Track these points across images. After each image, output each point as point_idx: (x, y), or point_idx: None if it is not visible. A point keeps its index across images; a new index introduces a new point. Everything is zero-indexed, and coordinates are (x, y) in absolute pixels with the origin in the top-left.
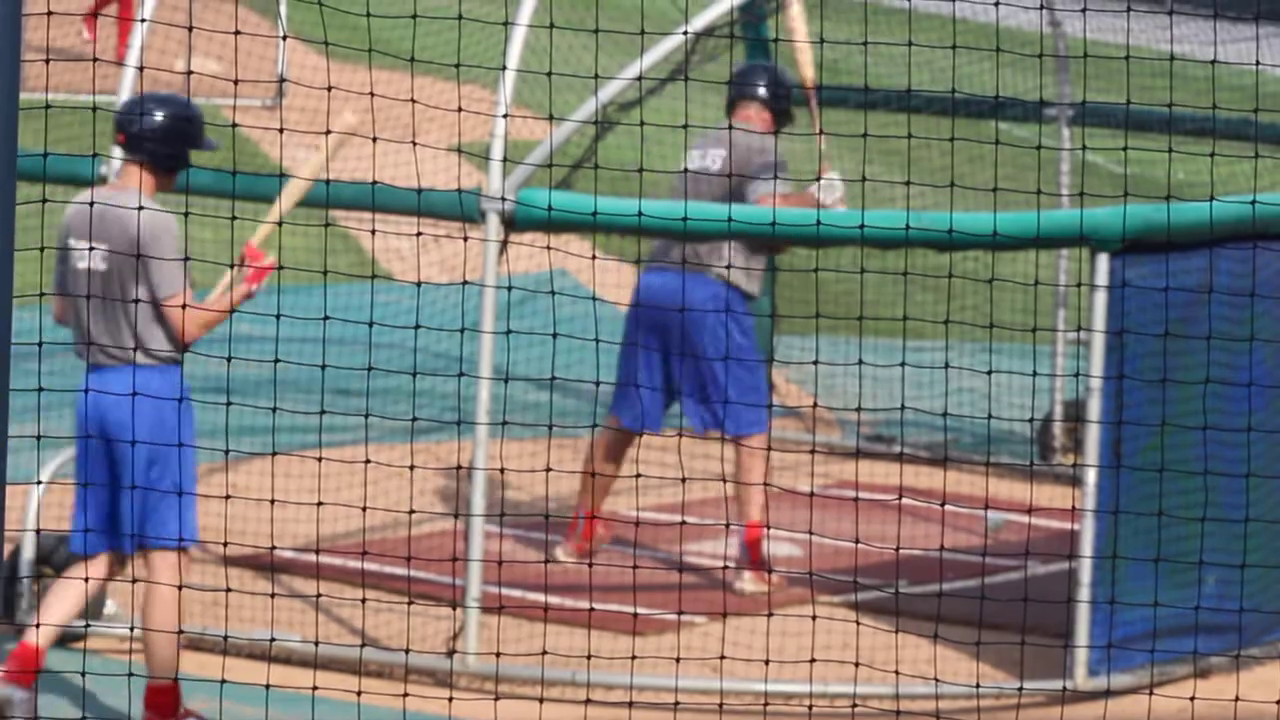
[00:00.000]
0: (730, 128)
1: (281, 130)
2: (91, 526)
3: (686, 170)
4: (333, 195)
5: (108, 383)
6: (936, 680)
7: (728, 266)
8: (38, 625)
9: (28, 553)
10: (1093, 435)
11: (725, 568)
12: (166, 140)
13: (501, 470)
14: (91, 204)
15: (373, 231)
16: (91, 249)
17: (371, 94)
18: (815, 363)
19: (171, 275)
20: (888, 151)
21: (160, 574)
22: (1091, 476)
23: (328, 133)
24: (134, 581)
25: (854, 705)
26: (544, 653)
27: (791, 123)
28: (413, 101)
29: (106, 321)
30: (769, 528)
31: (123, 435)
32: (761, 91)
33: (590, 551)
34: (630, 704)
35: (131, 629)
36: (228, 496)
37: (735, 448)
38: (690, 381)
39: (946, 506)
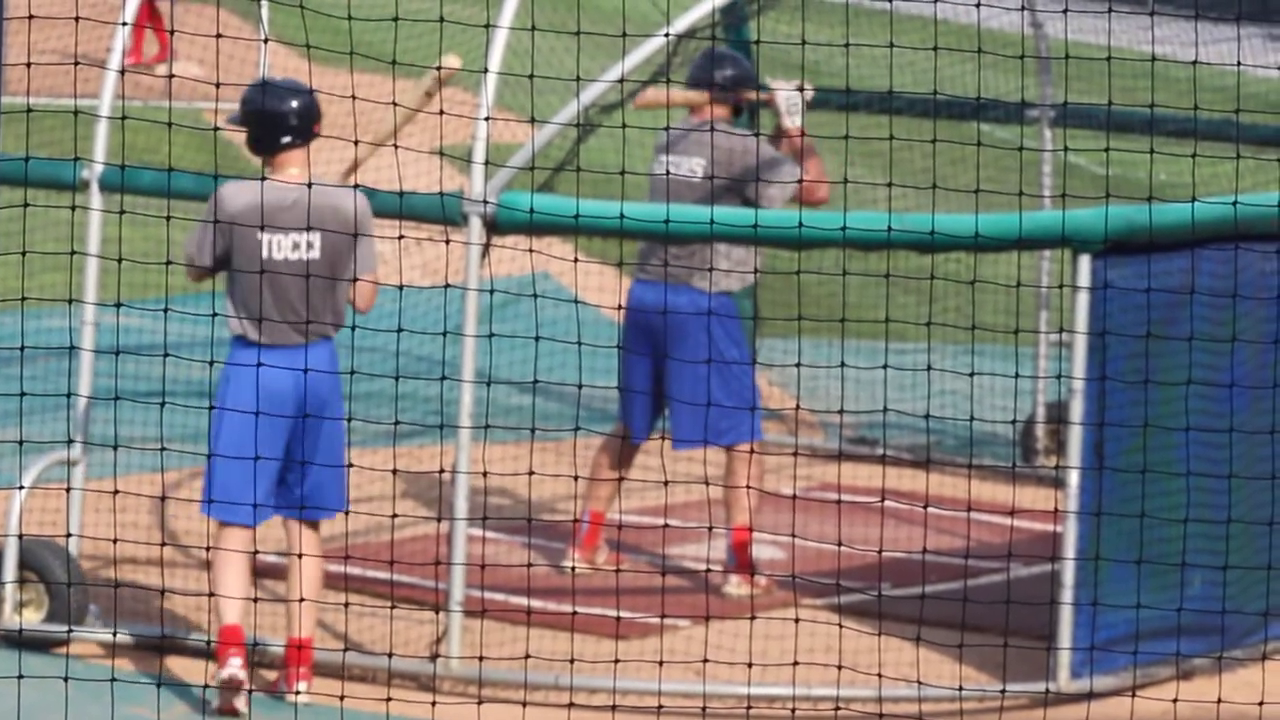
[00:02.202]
0: (711, 129)
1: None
2: (261, 498)
3: (669, 174)
4: None
5: (307, 358)
6: (919, 683)
7: (709, 269)
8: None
9: (10, 558)
10: (1075, 437)
11: (708, 571)
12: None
13: (484, 474)
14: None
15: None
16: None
17: (354, 97)
18: (798, 365)
19: (378, 252)
20: (869, 153)
21: (317, 538)
22: (1074, 478)
23: (439, 68)
24: (116, 586)
25: (837, 708)
26: (527, 656)
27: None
28: (394, 104)
29: (314, 302)
30: (752, 530)
31: (324, 407)
32: (719, 83)
33: (594, 557)
34: (613, 708)
35: (114, 634)
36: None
37: (726, 453)
38: (680, 394)
39: (929, 509)
